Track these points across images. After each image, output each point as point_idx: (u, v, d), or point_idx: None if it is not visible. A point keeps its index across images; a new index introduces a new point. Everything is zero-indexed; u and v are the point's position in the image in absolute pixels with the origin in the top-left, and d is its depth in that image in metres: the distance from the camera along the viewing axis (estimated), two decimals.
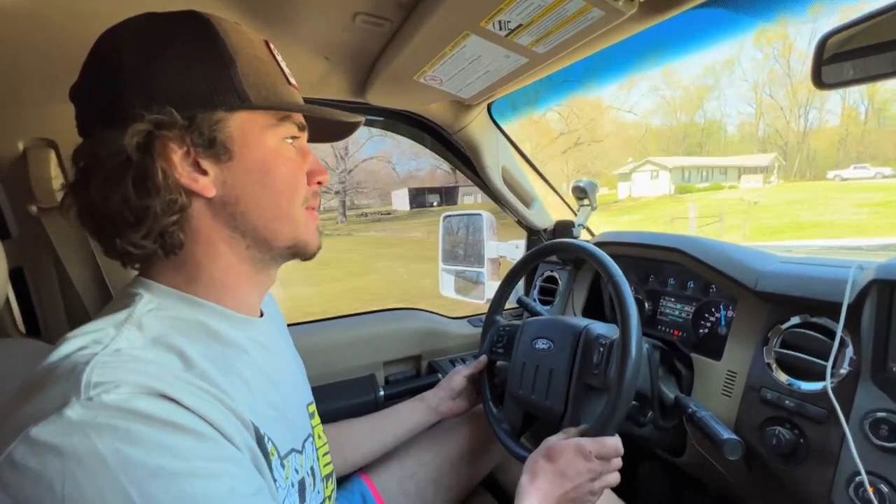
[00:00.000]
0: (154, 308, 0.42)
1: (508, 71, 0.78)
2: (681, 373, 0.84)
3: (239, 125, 0.44)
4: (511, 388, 0.82)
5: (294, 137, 0.48)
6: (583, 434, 0.63)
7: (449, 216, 1.51)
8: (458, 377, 0.88)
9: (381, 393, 1.11)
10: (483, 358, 0.90)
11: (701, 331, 0.89)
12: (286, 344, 0.64)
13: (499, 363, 0.90)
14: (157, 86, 0.41)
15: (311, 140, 0.53)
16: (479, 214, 1.36)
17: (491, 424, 0.82)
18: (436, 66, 0.76)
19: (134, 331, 0.39)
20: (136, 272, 0.47)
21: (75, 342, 0.36)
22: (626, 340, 0.62)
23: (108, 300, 0.84)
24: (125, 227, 0.42)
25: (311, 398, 0.64)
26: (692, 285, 0.92)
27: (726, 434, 0.65)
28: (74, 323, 0.84)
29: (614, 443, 0.62)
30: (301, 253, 0.51)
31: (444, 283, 1.52)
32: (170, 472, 0.32)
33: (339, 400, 1.06)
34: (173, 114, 0.40)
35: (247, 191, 0.45)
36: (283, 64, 0.49)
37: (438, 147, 1.22)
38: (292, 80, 0.50)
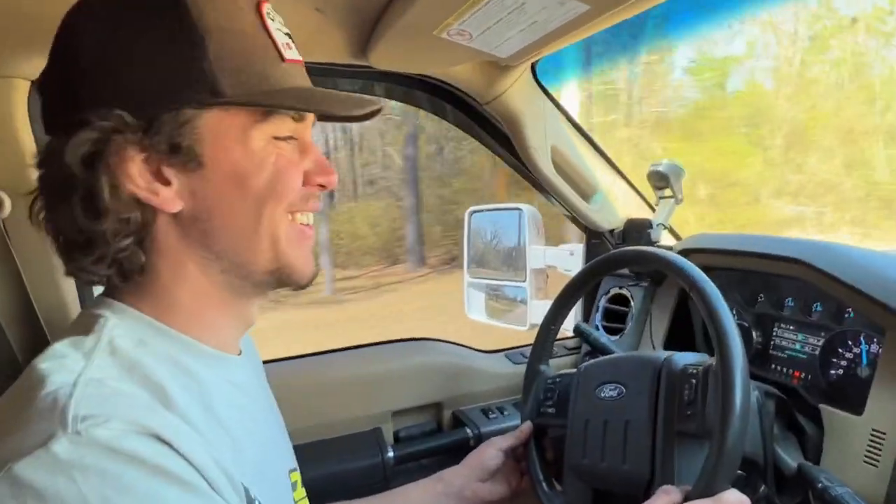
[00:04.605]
0: (123, 333, 0.46)
1: (562, 22, 0.79)
2: (805, 431, 0.84)
3: (212, 125, 0.47)
4: (572, 459, 0.82)
5: (288, 137, 0.51)
6: (688, 497, 0.63)
7: (478, 211, 1.53)
8: (491, 450, 0.86)
9: (390, 454, 1.12)
10: (527, 425, 0.89)
11: (832, 372, 0.88)
12: (264, 391, 0.67)
13: (550, 429, 0.90)
14: (113, 80, 0.44)
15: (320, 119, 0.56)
16: (518, 209, 1.38)
17: None
18: (464, 18, 0.77)
19: (106, 357, 0.43)
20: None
21: (45, 368, 0.41)
22: (727, 359, 0.64)
23: None
24: (75, 251, 0.46)
25: (295, 464, 0.66)
26: (819, 308, 0.91)
27: None
28: None
29: (740, 498, 0.61)
30: (287, 280, 0.54)
31: (470, 301, 1.54)
32: None
33: (333, 463, 1.08)
34: (124, 118, 0.43)
35: (221, 203, 0.49)
36: (275, 34, 0.50)
37: (463, 120, 1.25)
38: (288, 54, 0.51)
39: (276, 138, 0.50)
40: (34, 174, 0.79)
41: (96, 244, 0.45)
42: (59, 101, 0.46)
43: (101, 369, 0.42)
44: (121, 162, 0.45)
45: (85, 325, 0.47)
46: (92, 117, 0.43)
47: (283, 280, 0.54)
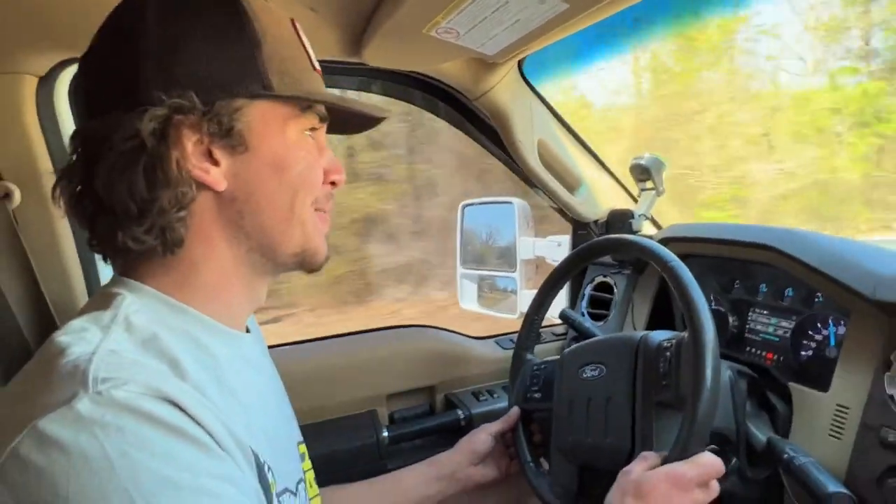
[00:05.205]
0: (139, 310, 0.49)
1: (543, 21, 0.81)
2: (775, 408, 0.86)
3: (259, 114, 0.52)
4: (558, 439, 0.85)
5: (313, 129, 0.58)
6: (665, 460, 0.65)
7: (470, 205, 1.56)
8: (482, 436, 0.89)
9: (385, 434, 1.15)
10: (515, 410, 0.92)
11: (803, 353, 0.90)
12: (271, 368, 0.70)
13: (537, 413, 0.93)
14: (180, 66, 0.49)
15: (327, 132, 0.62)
16: (509, 203, 1.41)
17: (537, 492, 0.84)
18: (451, 16, 0.80)
19: (122, 332, 0.46)
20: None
21: (65, 341, 0.44)
22: (697, 329, 0.67)
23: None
24: (127, 220, 0.48)
25: (301, 437, 0.70)
26: (791, 293, 0.93)
27: (833, 487, 0.67)
28: None
29: (713, 459, 0.64)
30: (308, 262, 0.59)
31: (463, 292, 1.56)
32: (176, 485, 0.38)
33: (330, 443, 1.11)
34: (194, 99, 0.48)
35: (259, 186, 0.53)
36: (308, 46, 0.58)
37: (455, 116, 1.27)
38: (317, 65, 0.59)
39: (305, 132, 0.56)
40: (46, 164, 0.82)
41: (149, 214, 0.48)
42: (120, 79, 0.49)
43: (118, 342, 0.44)
44: (179, 139, 0.48)
45: (102, 301, 0.49)
46: (163, 96, 0.47)
47: (305, 262, 0.59)
